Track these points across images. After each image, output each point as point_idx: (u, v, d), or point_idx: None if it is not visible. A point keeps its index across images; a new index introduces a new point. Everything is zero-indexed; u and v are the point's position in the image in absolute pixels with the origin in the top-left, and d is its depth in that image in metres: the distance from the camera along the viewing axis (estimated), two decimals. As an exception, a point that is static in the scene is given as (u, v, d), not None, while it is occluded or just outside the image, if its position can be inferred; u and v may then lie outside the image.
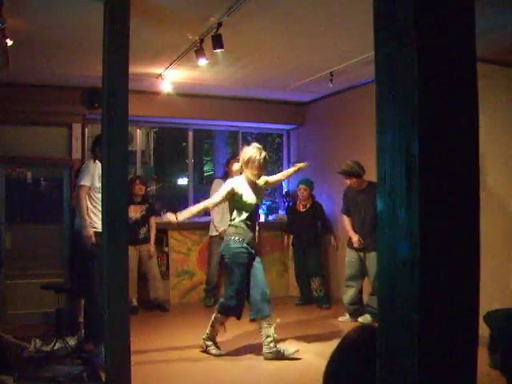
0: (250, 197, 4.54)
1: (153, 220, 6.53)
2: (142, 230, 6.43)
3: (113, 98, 3.12)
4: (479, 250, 0.90)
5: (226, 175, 6.86)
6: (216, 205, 4.82)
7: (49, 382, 3.78)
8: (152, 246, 6.50)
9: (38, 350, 4.52)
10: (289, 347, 4.56)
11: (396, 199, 0.89)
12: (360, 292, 5.79)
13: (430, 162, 0.85)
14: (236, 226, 4.56)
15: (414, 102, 0.85)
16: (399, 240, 0.87)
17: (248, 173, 4.55)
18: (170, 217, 4.52)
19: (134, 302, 6.27)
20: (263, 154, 4.53)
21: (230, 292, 4.58)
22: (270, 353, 4.44)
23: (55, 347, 4.50)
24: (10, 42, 4.22)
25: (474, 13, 0.91)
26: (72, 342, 4.74)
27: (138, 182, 6.50)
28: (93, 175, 4.70)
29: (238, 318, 4.60)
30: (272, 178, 4.98)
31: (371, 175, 6.03)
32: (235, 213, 4.60)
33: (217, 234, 6.59)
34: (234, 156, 7.14)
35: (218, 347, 4.68)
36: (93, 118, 6.36)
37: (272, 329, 4.48)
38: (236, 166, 4.71)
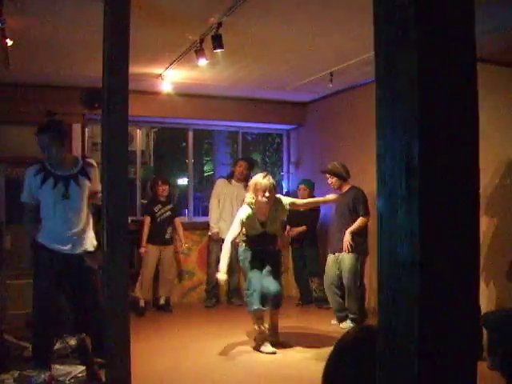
0: (253, 229, 4.79)
1: (178, 220, 6.55)
2: (168, 230, 6.44)
3: (113, 98, 3.12)
4: (479, 250, 0.90)
5: (232, 175, 6.89)
6: (237, 237, 4.87)
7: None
8: (184, 244, 6.55)
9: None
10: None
11: (396, 199, 0.89)
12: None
13: (430, 162, 0.85)
14: (243, 243, 4.88)
15: (414, 102, 0.85)
16: (399, 240, 0.87)
17: (259, 200, 4.65)
18: (221, 277, 4.65)
19: (142, 304, 6.25)
20: (270, 179, 4.69)
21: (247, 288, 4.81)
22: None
23: (55, 347, 4.50)
24: (10, 42, 4.22)
25: (474, 13, 0.91)
26: (72, 342, 4.74)
27: (160, 182, 6.51)
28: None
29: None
30: (299, 201, 5.23)
31: (371, 175, 6.02)
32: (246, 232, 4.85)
33: (215, 231, 6.66)
34: (244, 158, 7.20)
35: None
36: (93, 118, 6.37)
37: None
38: (247, 199, 4.76)
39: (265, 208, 4.69)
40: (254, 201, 4.67)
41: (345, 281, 5.47)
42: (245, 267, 4.87)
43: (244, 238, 4.87)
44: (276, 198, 4.76)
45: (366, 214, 5.43)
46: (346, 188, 5.61)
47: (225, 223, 6.73)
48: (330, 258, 5.68)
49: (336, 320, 5.73)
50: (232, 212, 6.65)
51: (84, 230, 3.83)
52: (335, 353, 1.20)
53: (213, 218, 6.74)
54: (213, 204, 6.82)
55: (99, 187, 3.84)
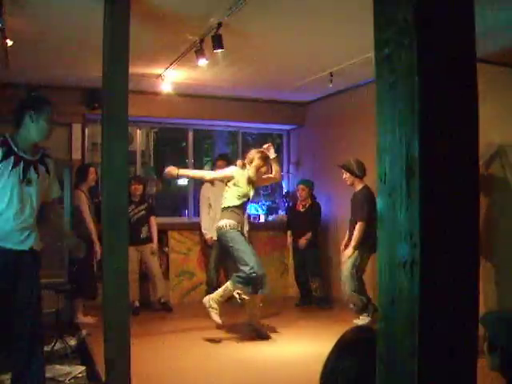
0: (244, 188, 5.11)
1: (153, 219, 6.52)
2: (144, 230, 6.43)
3: (113, 98, 3.12)
4: (479, 250, 0.90)
5: None
6: (210, 180, 5.58)
7: (49, 381, 3.78)
8: (155, 245, 6.50)
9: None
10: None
11: (396, 199, 0.89)
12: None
13: (430, 162, 0.85)
14: (229, 211, 5.09)
15: (414, 103, 0.85)
16: (399, 240, 0.87)
17: (250, 170, 5.13)
18: (172, 170, 5.07)
19: (137, 304, 6.27)
20: (266, 159, 5.21)
21: (243, 263, 4.88)
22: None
23: (55, 347, 4.50)
24: (10, 42, 4.23)
25: (474, 13, 0.91)
26: (72, 342, 4.74)
27: (133, 182, 6.46)
28: None
29: (261, 290, 4.95)
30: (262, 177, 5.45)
31: (371, 175, 6.03)
32: (229, 200, 5.13)
33: (209, 237, 6.65)
34: (221, 157, 7.09)
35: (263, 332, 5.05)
36: (93, 117, 6.37)
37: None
38: (239, 162, 5.28)
39: (249, 178, 5.15)
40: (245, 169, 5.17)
41: (343, 277, 5.58)
42: (236, 243, 4.99)
43: (231, 206, 5.08)
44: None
45: (362, 218, 5.37)
46: (358, 186, 5.56)
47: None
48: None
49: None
50: None
51: (35, 226, 3.31)
52: (335, 351, 1.20)
53: (204, 224, 6.77)
54: (203, 211, 6.81)
55: (56, 192, 3.47)
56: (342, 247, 5.71)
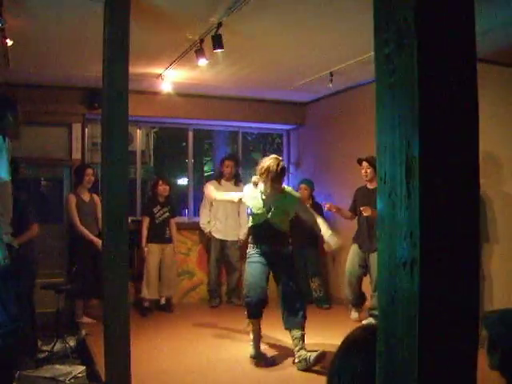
0: (256, 210, 4.45)
1: (173, 222, 6.55)
2: (167, 230, 6.45)
3: (113, 98, 3.12)
4: (479, 250, 0.90)
5: (220, 176, 6.87)
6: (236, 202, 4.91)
7: (49, 381, 3.78)
8: (175, 247, 6.54)
9: (38, 350, 4.52)
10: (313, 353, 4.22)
11: (396, 199, 0.89)
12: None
13: (430, 162, 0.85)
14: (250, 232, 4.63)
15: (414, 102, 0.85)
16: (399, 240, 0.87)
17: (265, 184, 4.31)
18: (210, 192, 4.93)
19: (146, 304, 6.26)
20: (281, 164, 4.30)
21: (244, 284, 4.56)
22: (299, 362, 4.23)
23: (55, 347, 4.50)
24: (10, 42, 4.23)
25: (474, 13, 0.91)
26: (72, 342, 4.74)
27: (161, 182, 6.49)
28: None
29: (254, 317, 4.42)
30: (304, 214, 4.76)
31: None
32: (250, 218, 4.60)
33: (207, 231, 6.76)
34: (229, 157, 7.13)
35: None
36: (93, 117, 6.37)
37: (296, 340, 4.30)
38: (254, 179, 4.49)
39: (270, 193, 4.34)
40: (259, 182, 4.39)
41: (374, 278, 5.43)
42: (247, 265, 4.50)
43: (250, 232, 4.61)
44: (286, 188, 4.49)
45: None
46: (375, 184, 5.37)
47: (220, 223, 6.74)
48: (355, 250, 5.73)
49: (354, 311, 5.86)
50: (226, 212, 6.67)
51: None
52: (341, 351, 1.20)
53: (202, 219, 6.82)
54: (204, 207, 6.84)
55: None
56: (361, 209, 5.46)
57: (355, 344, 1.19)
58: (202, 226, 6.81)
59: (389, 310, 0.90)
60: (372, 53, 0.97)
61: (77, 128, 6.52)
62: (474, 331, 0.87)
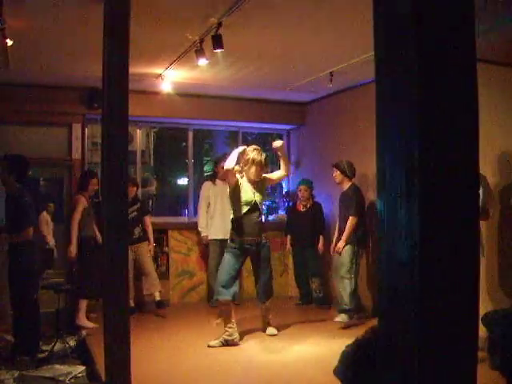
0: (247, 194, 4.89)
1: (147, 219, 6.51)
2: (137, 230, 6.41)
3: (113, 98, 3.12)
4: (479, 250, 0.90)
5: (215, 176, 6.86)
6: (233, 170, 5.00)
7: (49, 381, 3.78)
8: (151, 244, 6.48)
9: (38, 350, 4.51)
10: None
11: (396, 199, 0.89)
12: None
13: (429, 162, 0.85)
14: (232, 222, 4.95)
15: (414, 102, 0.85)
16: (399, 240, 0.87)
17: (249, 173, 4.91)
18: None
19: (131, 303, 6.25)
20: (263, 154, 4.95)
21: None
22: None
23: (55, 347, 4.50)
24: (10, 42, 4.23)
25: (474, 13, 0.91)
26: (72, 342, 4.74)
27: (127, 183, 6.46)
28: None
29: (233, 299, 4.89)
30: (270, 175, 5.30)
31: (371, 175, 6.03)
32: (234, 207, 4.95)
33: (205, 235, 6.72)
34: (223, 158, 7.10)
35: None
36: (93, 117, 6.37)
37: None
38: (237, 167, 4.94)
39: (252, 182, 4.93)
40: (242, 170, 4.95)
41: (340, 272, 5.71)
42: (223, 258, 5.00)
43: (235, 216, 4.92)
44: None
45: (355, 214, 5.65)
46: (347, 185, 5.83)
47: (218, 222, 6.72)
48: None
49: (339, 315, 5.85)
50: (222, 211, 6.65)
51: None
52: (350, 352, 1.21)
53: (201, 222, 6.78)
54: (201, 209, 6.82)
55: None
56: (333, 244, 5.93)
57: (363, 346, 1.20)
58: (200, 229, 6.80)
59: (389, 310, 0.90)
60: (372, 53, 0.97)
61: (77, 128, 6.51)
62: (474, 331, 0.87)
